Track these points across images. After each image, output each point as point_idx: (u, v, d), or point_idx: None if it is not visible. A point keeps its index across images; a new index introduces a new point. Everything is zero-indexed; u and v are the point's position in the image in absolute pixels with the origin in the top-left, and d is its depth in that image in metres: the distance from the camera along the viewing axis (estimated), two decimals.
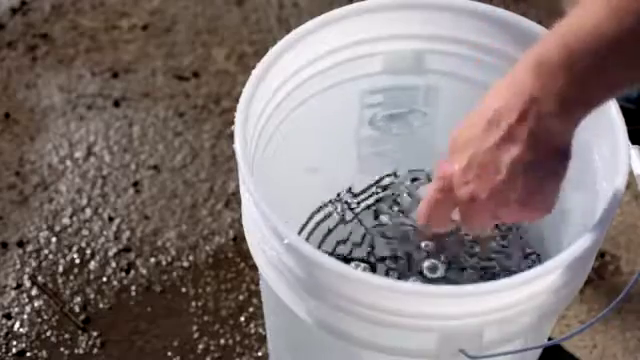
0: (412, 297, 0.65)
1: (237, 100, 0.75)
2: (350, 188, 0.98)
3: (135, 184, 1.34)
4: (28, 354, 1.17)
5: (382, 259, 0.91)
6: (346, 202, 0.96)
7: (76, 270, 1.24)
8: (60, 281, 1.23)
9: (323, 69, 0.85)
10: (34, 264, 1.25)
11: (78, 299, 1.21)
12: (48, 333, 1.19)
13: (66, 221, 1.30)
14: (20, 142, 1.40)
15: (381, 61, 0.87)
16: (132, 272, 1.24)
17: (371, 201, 0.97)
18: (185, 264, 1.25)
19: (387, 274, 0.89)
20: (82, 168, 1.36)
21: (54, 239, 1.28)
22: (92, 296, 1.22)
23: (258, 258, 0.76)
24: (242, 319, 1.20)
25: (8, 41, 1.54)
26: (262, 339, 1.17)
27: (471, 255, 0.90)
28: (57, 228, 1.29)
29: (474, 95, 0.70)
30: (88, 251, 1.26)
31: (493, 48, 0.84)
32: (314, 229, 0.96)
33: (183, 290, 1.22)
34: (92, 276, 1.24)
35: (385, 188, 0.97)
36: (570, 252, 0.66)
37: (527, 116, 0.59)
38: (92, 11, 1.59)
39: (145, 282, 1.23)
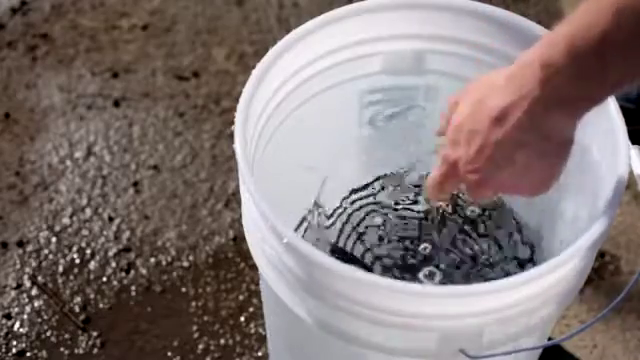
0: (412, 297, 0.65)
1: (237, 100, 0.75)
2: (350, 187, 0.98)
3: (135, 184, 1.34)
4: (28, 354, 1.16)
5: (379, 258, 0.92)
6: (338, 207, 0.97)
7: (76, 270, 1.24)
8: (60, 281, 1.23)
9: (323, 69, 0.85)
10: (34, 264, 1.25)
11: (78, 299, 1.21)
12: (48, 333, 1.18)
13: (66, 221, 1.30)
14: (20, 142, 1.40)
15: (381, 61, 0.87)
16: (132, 272, 1.24)
17: (370, 200, 0.97)
18: (185, 264, 1.25)
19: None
20: (82, 168, 1.36)
21: (54, 239, 1.28)
22: (92, 296, 1.22)
23: (258, 258, 0.76)
24: (242, 319, 1.20)
25: (8, 41, 1.54)
26: (262, 339, 1.17)
27: (470, 259, 0.91)
28: (57, 228, 1.29)
29: None
30: (88, 251, 1.26)
31: (493, 48, 0.84)
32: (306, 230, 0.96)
33: (183, 290, 1.22)
34: (92, 276, 1.23)
35: (384, 187, 0.97)
36: (570, 252, 0.66)
37: (533, 114, 0.61)
38: (92, 11, 1.59)
39: (145, 282, 1.23)
